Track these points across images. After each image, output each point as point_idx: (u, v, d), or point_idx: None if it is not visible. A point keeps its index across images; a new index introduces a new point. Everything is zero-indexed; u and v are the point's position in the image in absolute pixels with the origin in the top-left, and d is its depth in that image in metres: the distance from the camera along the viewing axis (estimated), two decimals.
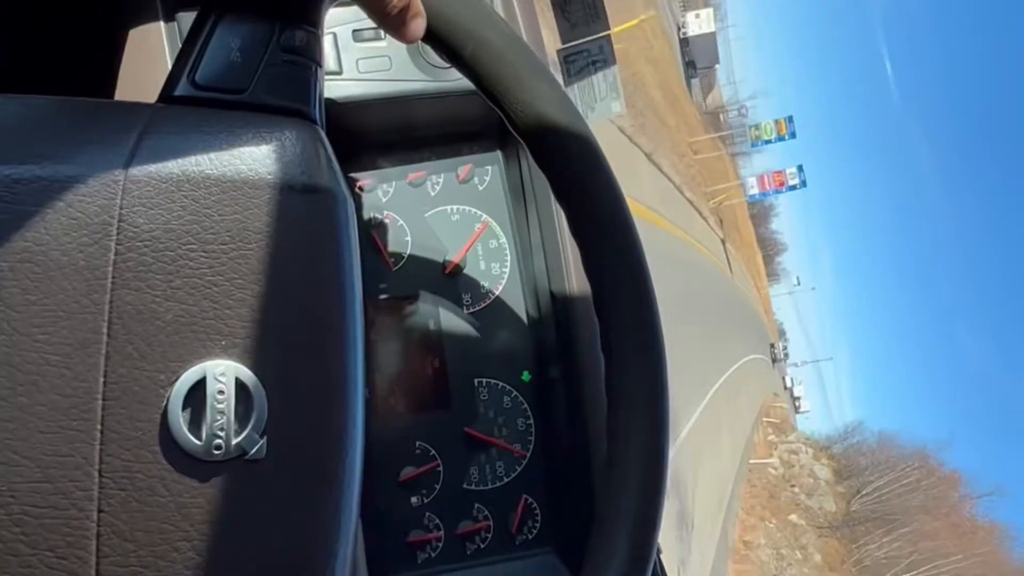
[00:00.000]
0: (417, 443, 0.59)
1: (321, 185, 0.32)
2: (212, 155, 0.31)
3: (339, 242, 0.32)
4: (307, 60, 0.36)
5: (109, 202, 0.28)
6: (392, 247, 0.62)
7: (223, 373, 0.28)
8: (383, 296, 0.61)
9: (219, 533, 0.28)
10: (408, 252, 0.62)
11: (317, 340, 0.31)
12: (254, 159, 0.31)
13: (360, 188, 0.63)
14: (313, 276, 0.31)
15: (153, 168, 0.29)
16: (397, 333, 0.61)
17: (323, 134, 0.36)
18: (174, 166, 0.30)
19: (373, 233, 0.61)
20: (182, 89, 0.34)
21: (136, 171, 0.29)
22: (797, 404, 55.42)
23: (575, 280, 0.58)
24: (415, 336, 0.61)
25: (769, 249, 69.84)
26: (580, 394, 0.57)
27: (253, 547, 0.28)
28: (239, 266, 0.30)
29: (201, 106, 0.33)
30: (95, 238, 0.28)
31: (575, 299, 0.58)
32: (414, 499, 0.59)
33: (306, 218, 0.31)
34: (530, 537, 0.60)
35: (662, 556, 0.54)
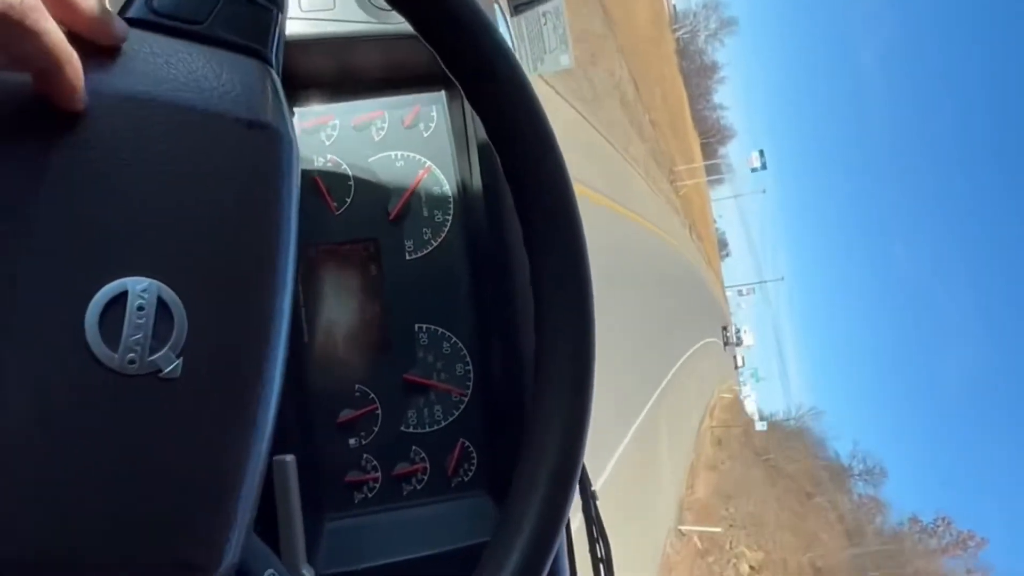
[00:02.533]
0: (356, 386, 0.62)
1: (269, 122, 0.33)
2: (161, 78, 0.32)
3: (280, 179, 0.33)
4: (268, 3, 0.37)
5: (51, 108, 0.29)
6: (335, 191, 0.63)
7: (145, 290, 0.29)
8: (325, 240, 0.63)
9: (121, 446, 0.28)
10: (351, 197, 0.63)
11: (247, 271, 0.32)
12: (203, 88, 0.32)
13: (305, 129, 0.64)
14: (251, 209, 0.32)
15: (99, 81, 0.30)
16: (339, 277, 0.63)
17: (277, 78, 0.37)
18: (120, 83, 0.31)
19: (316, 177, 0.63)
20: (137, 11, 0.34)
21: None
22: (739, 339, 53.42)
23: (515, 228, 0.62)
24: (357, 281, 0.63)
25: (711, 134, 55.79)
26: (517, 341, 0.60)
27: (153, 465, 0.29)
28: (177, 190, 0.31)
29: (155, 31, 0.34)
30: (34, 142, 0.29)
31: (515, 247, 0.60)
32: (352, 441, 0.62)
33: (250, 152, 0.33)
34: (465, 480, 0.64)
35: (598, 503, 0.63)
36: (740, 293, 70.96)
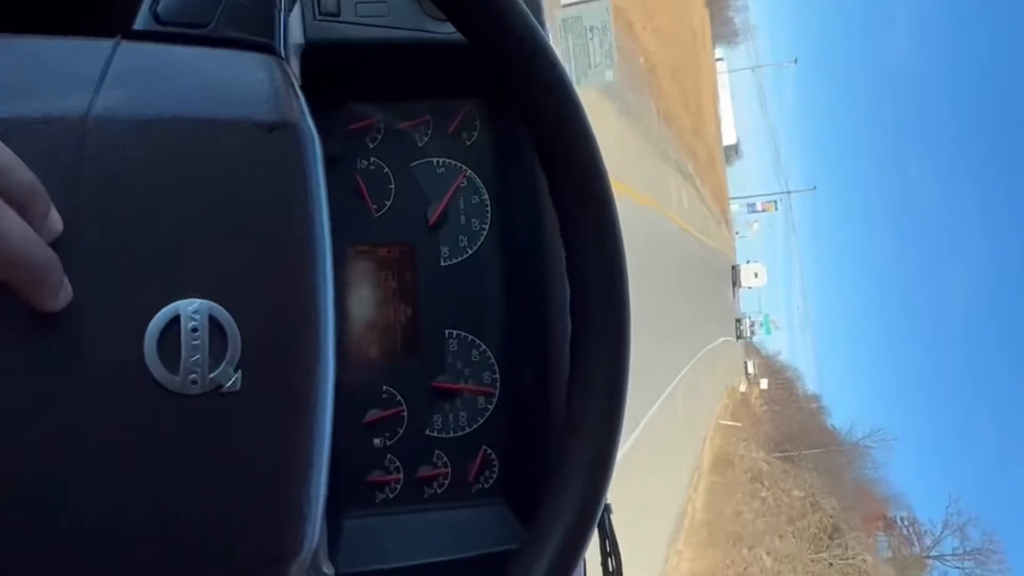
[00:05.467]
0: (384, 388, 0.66)
1: (288, 121, 0.35)
2: (177, 93, 0.34)
3: (306, 177, 0.35)
4: None
5: (76, 143, 0.30)
6: (375, 193, 0.66)
7: (196, 311, 0.31)
8: (363, 240, 0.66)
9: (196, 463, 0.31)
10: (391, 200, 0.67)
11: (287, 275, 0.34)
12: (219, 96, 0.34)
13: (350, 131, 0.67)
14: (282, 212, 0.34)
15: (118, 107, 0.32)
16: (373, 280, 0.66)
17: (288, 68, 0.39)
18: (139, 105, 0.32)
19: (358, 177, 0.66)
20: (143, 23, 0.36)
21: (101, 110, 0.31)
22: (753, 331, 43.77)
23: (551, 243, 0.63)
24: (391, 285, 0.67)
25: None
26: (547, 354, 0.63)
27: (228, 477, 0.32)
28: (208, 206, 0.32)
29: (163, 41, 0.35)
30: (62, 179, 0.30)
31: (550, 261, 0.63)
32: (377, 441, 0.66)
33: (274, 155, 0.35)
34: (485, 487, 0.67)
35: (612, 516, 0.65)
36: (753, 208, 49.74)
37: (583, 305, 0.44)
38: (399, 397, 0.66)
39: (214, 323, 0.32)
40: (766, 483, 21.65)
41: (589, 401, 0.43)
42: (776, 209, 51.51)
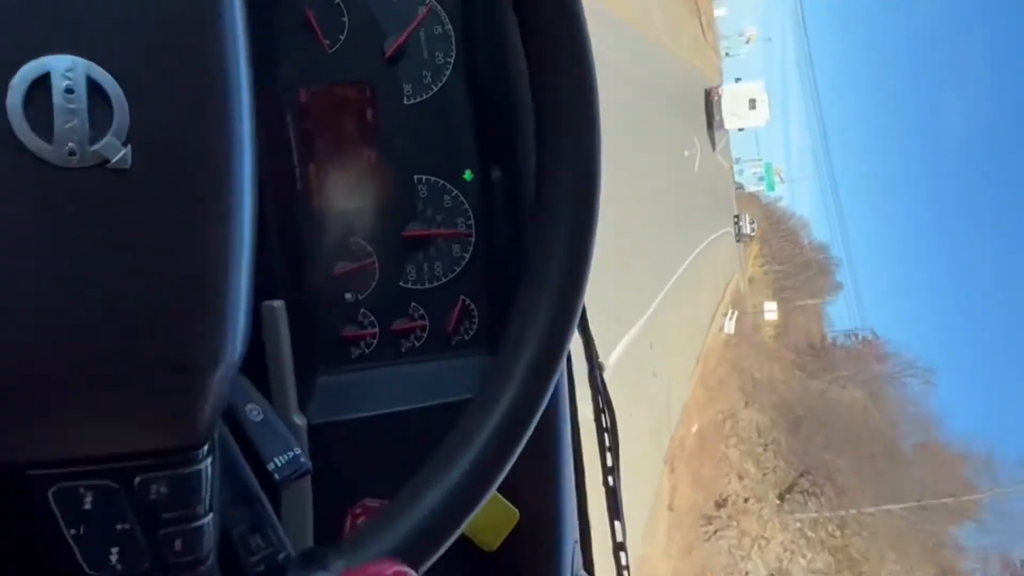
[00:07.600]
0: (352, 239, 0.63)
1: None
2: None
3: None
4: None
5: None
6: (327, 28, 0.61)
7: (70, 69, 0.27)
8: (316, 81, 0.61)
9: (79, 246, 0.28)
10: (345, 35, 0.61)
11: (191, 42, 0.30)
12: None
13: None
14: None
15: None
16: (332, 122, 0.62)
17: None
18: None
19: (307, 11, 0.61)
20: None
21: None
22: (753, 228, 33.96)
23: (521, 74, 0.58)
24: (351, 127, 0.62)
25: None
26: (522, 194, 0.61)
27: (120, 264, 0.28)
28: None
29: None
30: None
31: (520, 94, 0.59)
32: (348, 295, 0.63)
33: None
34: (466, 339, 0.66)
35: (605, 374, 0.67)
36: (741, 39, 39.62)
37: (548, 117, 0.43)
38: (369, 248, 0.63)
39: (95, 87, 0.28)
40: None
41: (556, 219, 0.42)
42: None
